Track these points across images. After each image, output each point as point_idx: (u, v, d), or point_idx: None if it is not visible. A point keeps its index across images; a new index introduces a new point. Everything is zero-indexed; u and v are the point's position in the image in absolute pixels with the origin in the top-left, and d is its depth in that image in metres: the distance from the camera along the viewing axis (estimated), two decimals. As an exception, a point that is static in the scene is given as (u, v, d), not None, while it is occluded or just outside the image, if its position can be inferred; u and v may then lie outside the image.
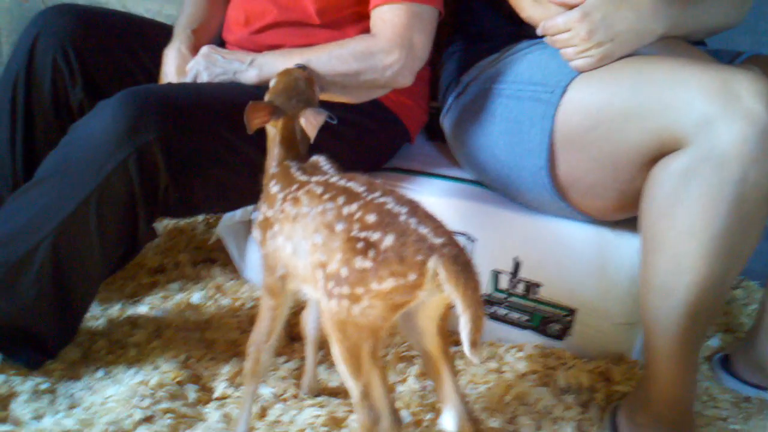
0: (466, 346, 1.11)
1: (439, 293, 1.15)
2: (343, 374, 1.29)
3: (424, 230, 1.17)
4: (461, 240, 2.13)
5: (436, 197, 2.13)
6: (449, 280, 1.11)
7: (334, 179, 1.35)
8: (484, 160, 2.08)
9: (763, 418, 1.93)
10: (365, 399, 1.27)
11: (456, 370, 1.37)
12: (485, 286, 2.12)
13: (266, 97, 1.53)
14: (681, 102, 1.51)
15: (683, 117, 1.50)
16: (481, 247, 2.09)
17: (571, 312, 2.06)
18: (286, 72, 1.55)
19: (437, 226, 1.19)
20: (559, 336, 2.11)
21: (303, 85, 1.50)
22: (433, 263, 1.13)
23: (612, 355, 2.07)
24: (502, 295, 2.12)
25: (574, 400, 1.95)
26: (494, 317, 2.16)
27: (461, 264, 1.12)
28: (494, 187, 2.14)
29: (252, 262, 2.37)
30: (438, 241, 1.15)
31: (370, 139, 2.16)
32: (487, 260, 2.10)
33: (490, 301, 2.14)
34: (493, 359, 2.09)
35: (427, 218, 1.21)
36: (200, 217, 2.76)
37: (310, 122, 1.42)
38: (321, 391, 1.90)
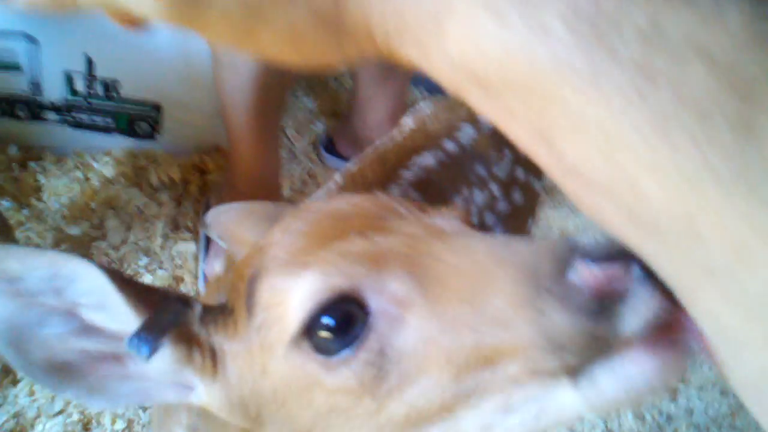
0: None
1: None
2: None
3: None
4: (21, 43, 1.86)
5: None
6: None
7: None
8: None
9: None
10: None
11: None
12: (59, 91, 1.90)
13: None
14: None
15: None
16: (46, 48, 1.84)
17: (156, 108, 1.95)
18: None
19: None
20: (150, 135, 2.00)
21: None
22: None
23: (206, 148, 2.04)
24: (81, 99, 1.92)
25: (168, 196, 1.91)
26: (77, 125, 1.96)
27: None
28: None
29: None
30: None
31: None
32: (55, 62, 1.86)
33: (68, 108, 1.93)
34: (79, 169, 1.93)
35: None
36: None
37: None
38: None
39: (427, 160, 1.00)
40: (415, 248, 0.48)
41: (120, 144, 2.00)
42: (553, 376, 0.43)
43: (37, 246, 1.68)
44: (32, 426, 1.38)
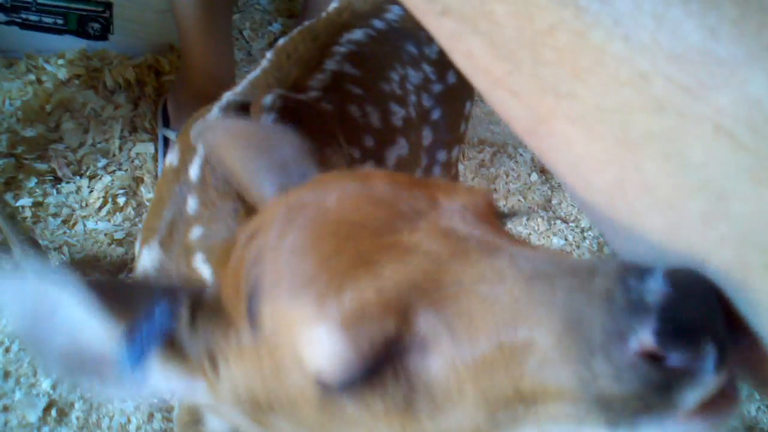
0: None
1: None
2: None
3: None
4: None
5: None
6: None
7: None
8: None
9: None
10: None
11: None
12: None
13: None
14: None
15: None
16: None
17: (107, 6, 1.90)
18: None
19: None
20: (102, 36, 1.96)
21: None
22: None
23: (160, 47, 2.00)
24: (28, -1, 1.87)
25: (124, 98, 1.89)
26: (26, 26, 1.91)
27: None
28: None
29: None
30: None
31: None
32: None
33: (15, 8, 1.88)
34: (31, 71, 1.89)
35: None
36: None
37: None
38: None
39: (357, 35, 1.00)
40: (436, 278, 0.43)
41: (72, 45, 1.96)
42: (592, 423, 0.40)
43: None
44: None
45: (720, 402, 0.37)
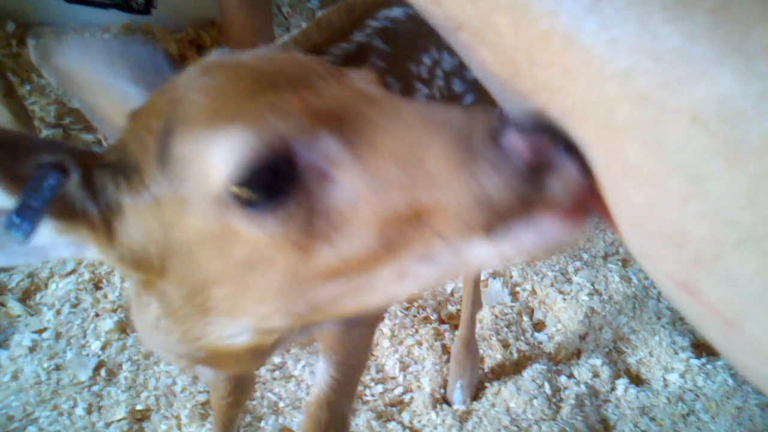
0: None
1: None
2: None
3: None
4: None
5: None
6: None
7: None
8: None
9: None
10: None
11: None
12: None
13: None
14: None
15: None
16: None
17: (150, -19, 1.95)
18: None
19: None
20: (145, 10, 2.01)
21: None
22: None
23: (202, 22, 2.05)
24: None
25: (166, 71, 1.94)
26: (72, 0, 1.98)
27: None
28: None
29: None
30: None
31: None
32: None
33: (61, -17, 1.94)
34: (78, 45, 1.96)
35: None
36: None
37: None
38: None
39: (396, 13, 1.00)
40: (344, 109, 0.48)
41: (117, 20, 2.02)
42: (474, 231, 0.45)
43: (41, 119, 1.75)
44: (46, 285, 1.49)
45: (578, 212, 0.43)
